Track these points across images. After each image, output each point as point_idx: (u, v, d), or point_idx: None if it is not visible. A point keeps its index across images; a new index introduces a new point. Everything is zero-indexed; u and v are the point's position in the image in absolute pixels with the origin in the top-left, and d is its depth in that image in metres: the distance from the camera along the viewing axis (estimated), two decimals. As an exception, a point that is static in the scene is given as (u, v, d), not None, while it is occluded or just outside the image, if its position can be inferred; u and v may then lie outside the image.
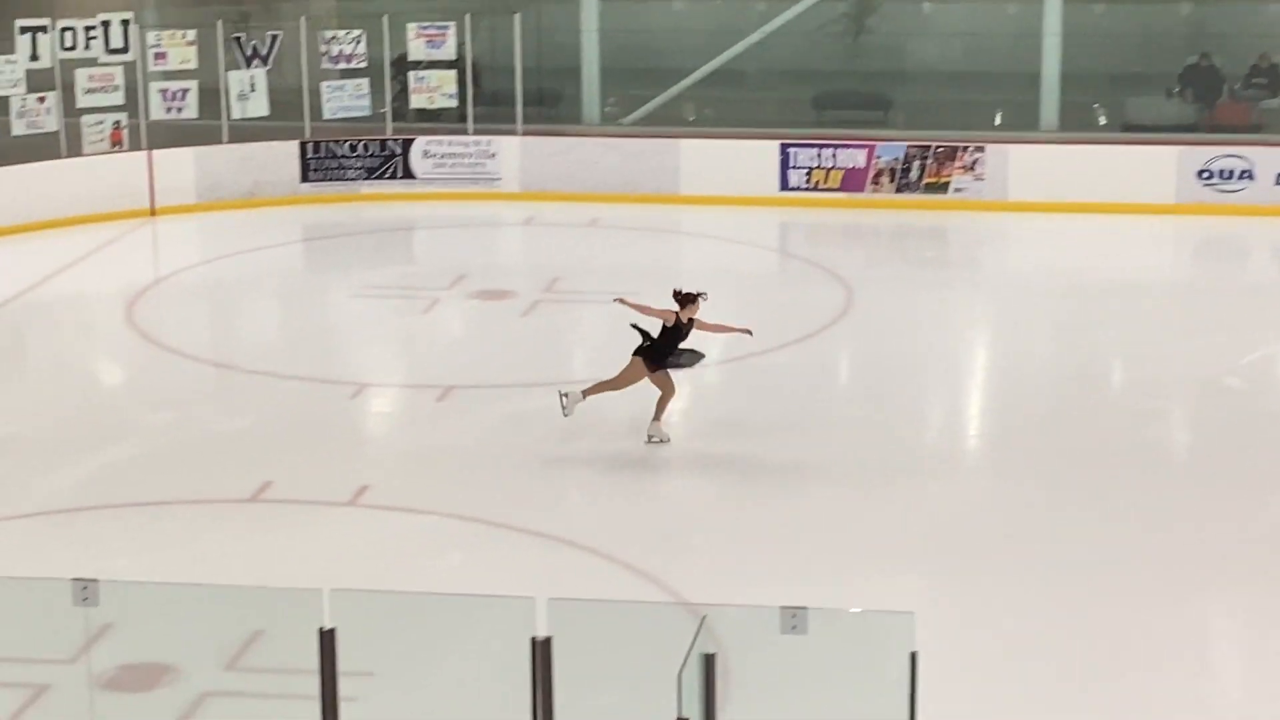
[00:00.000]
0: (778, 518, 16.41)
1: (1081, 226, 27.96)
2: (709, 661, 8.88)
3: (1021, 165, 29.15)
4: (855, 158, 29.44)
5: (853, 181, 29.44)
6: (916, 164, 29.27)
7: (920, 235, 28.65)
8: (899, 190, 29.38)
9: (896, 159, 29.35)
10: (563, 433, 18.78)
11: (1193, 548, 15.76)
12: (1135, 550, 15.69)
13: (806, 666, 9.93)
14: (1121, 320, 23.15)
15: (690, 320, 17.68)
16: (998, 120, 31.73)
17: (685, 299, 17.73)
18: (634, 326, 17.91)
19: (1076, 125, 30.79)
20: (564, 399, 18.00)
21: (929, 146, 29.29)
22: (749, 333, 18.37)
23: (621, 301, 18.05)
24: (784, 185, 29.53)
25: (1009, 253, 28.27)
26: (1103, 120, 31.84)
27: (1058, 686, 13.28)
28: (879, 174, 29.38)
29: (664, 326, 17.69)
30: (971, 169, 29.16)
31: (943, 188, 29.25)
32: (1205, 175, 28.67)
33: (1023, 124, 30.76)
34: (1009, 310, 24.22)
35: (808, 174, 29.46)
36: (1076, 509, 16.65)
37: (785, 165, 29.50)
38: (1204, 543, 15.85)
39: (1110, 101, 32.02)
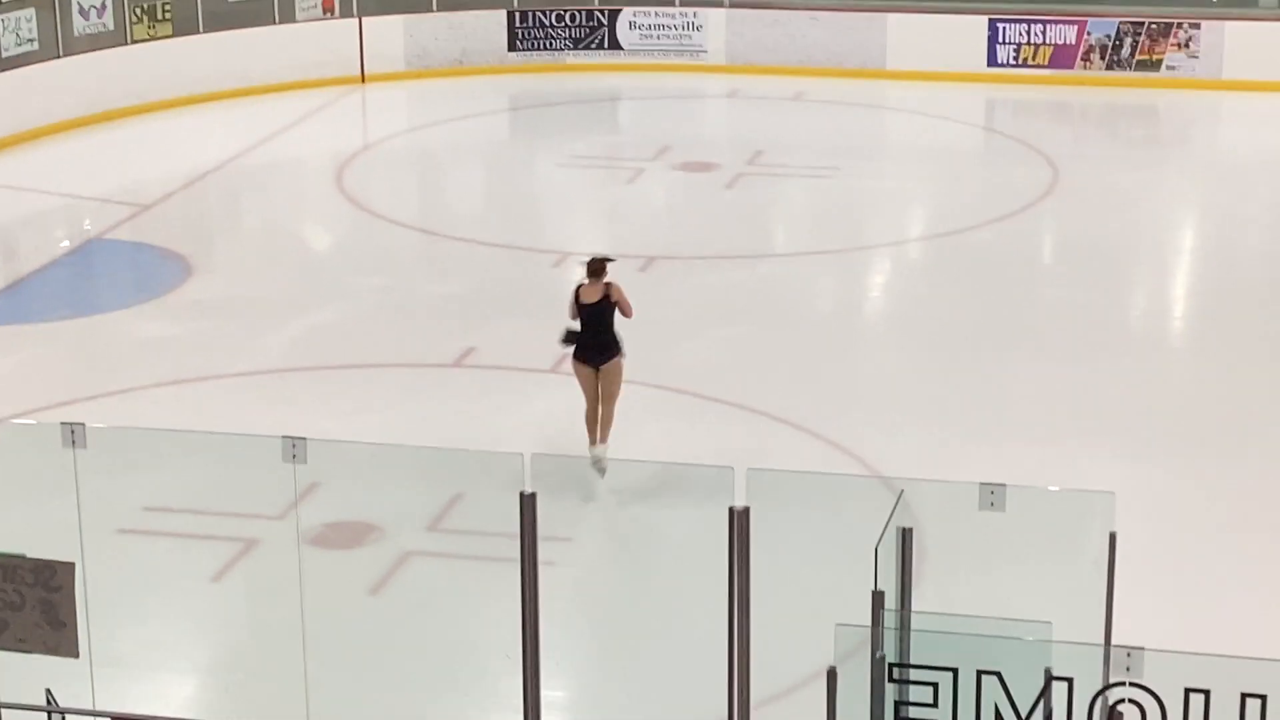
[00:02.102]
0: (978, 395, 16.36)
1: (1298, 107, 27.33)
2: (906, 535, 8.91)
3: (1238, 43, 28.45)
4: (1065, 34, 28.93)
5: (1062, 58, 28.95)
6: (1128, 41, 28.70)
7: (1130, 114, 28.15)
8: (1109, 67, 28.85)
9: (1108, 35, 28.80)
10: (764, 305, 18.82)
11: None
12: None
13: (1003, 544, 9.94)
14: (1336, 204, 22.67)
15: (605, 292, 14.14)
16: (1215, -3, 31.04)
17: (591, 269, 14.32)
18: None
19: (1296, 2, 30.03)
20: (596, 465, 14.20)
21: (1142, 23, 28.70)
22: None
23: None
24: (991, 61, 29.12)
25: (1222, 133, 27.69)
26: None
27: (1259, 568, 13.17)
28: (1089, 51, 28.86)
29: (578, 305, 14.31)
30: (1185, 46, 28.53)
31: (1155, 65, 28.67)
32: None
33: (1241, 0, 30.03)
34: (1220, 192, 23.77)
35: (1016, 50, 29.02)
36: (1248, 395, 16.39)
37: (993, 41, 29.07)
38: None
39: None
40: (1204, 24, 28.53)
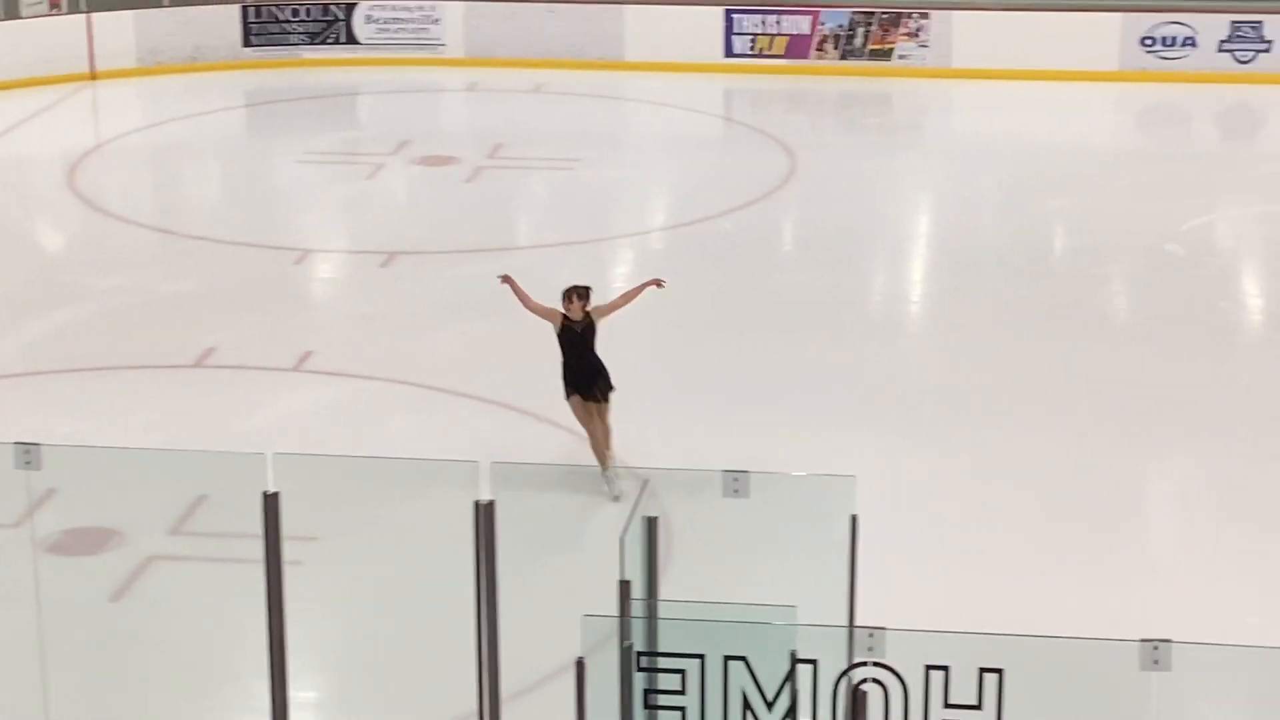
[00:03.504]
0: (723, 383, 16.49)
1: (1025, 94, 27.94)
2: (651, 524, 8.95)
3: (966, 32, 29.06)
4: (800, 24, 29.30)
5: (797, 48, 29.32)
6: (861, 30, 29.16)
7: (864, 102, 28.60)
8: (843, 57, 29.28)
9: (841, 25, 29.23)
10: (507, 298, 18.81)
11: (1135, 409, 15.92)
12: (1078, 412, 15.85)
13: (748, 530, 10.03)
14: (1065, 187, 23.21)
15: (586, 315, 14.36)
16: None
17: (566, 294, 14.39)
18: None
19: (1022, -8, 30.70)
20: (612, 484, 13.98)
21: (873, 13, 29.16)
22: (659, 283, 14.83)
23: (507, 280, 14.68)
24: (728, 51, 29.40)
25: (953, 120, 28.25)
26: (1048, -14, 31.74)
27: (999, 546, 13.45)
28: (823, 40, 29.27)
29: (557, 335, 14.45)
30: (916, 36, 29.07)
31: (887, 54, 29.17)
32: (1148, 42, 28.66)
33: (968, -10, 30.68)
34: (953, 177, 24.26)
35: (752, 40, 29.34)
36: (1020, 372, 16.79)
37: (730, 31, 29.35)
38: (1147, 404, 16.02)
39: (1055, -33, 31.94)
40: (933, 14, 29.08)
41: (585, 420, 14.26)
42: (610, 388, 14.26)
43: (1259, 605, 12.55)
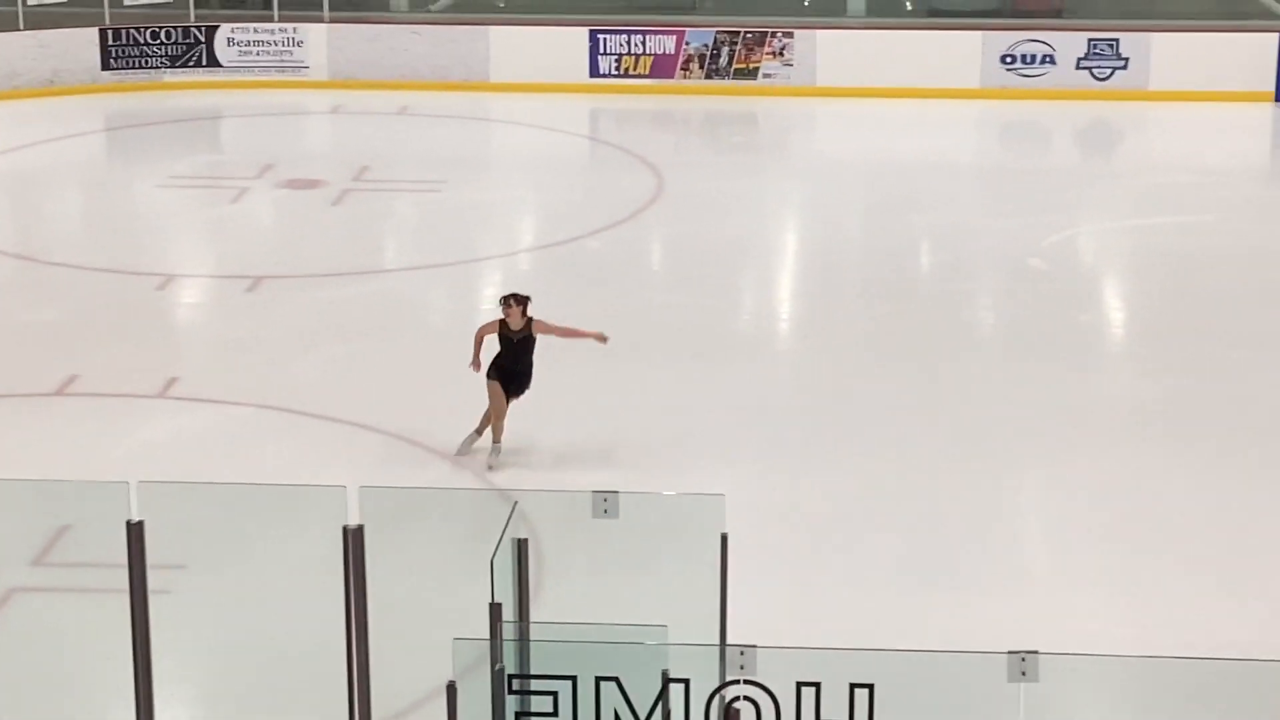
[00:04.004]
0: (591, 403, 16.48)
1: (889, 112, 28.18)
2: (521, 546, 8.94)
3: (829, 51, 29.28)
4: (665, 44, 29.41)
5: (662, 68, 29.43)
6: (726, 50, 29.31)
7: (730, 121, 28.73)
8: (708, 76, 29.42)
9: (706, 45, 29.36)
10: (374, 322, 18.74)
11: (1001, 422, 16.07)
12: (944, 427, 15.98)
13: (619, 550, 10.03)
14: (929, 204, 23.42)
15: (526, 324, 14.95)
16: (806, 2, 31.81)
17: (504, 301, 15.02)
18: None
19: (883, 11, 30.95)
20: (462, 444, 15.22)
21: (738, 33, 29.34)
22: (603, 339, 15.41)
23: (476, 365, 15.17)
24: (594, 72, 29.45)
25: (818, 138, 28.45)
26: (909, 5, 32.03)
27: (868, 562, 13.53)
28: (688, 60, 29.39)
29: (500, 338, 15.09)
30: (780, 55, 29.25)
31: (752, 73, 29.32)
32: (1008, 60, 29.00)
33: (830, 10, 30.88)
34: (819, 195, 24.41)
35: (618, 60, 29.41)
36: (888, 389, 16.89)
37: (595, 52, 29.41)
38: (1011, 417, 16.17)
39: (916, -13, 32.27)
40: (797, 33, 29.29)
41: (497, 400, 14.92)
42: (522, 392, 15.06)
43: (1126, 615, 12.69)
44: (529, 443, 15.59)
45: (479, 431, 15.18)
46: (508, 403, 15.04)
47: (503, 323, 14.96)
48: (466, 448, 15.12)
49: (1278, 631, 12.31)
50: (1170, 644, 11.99)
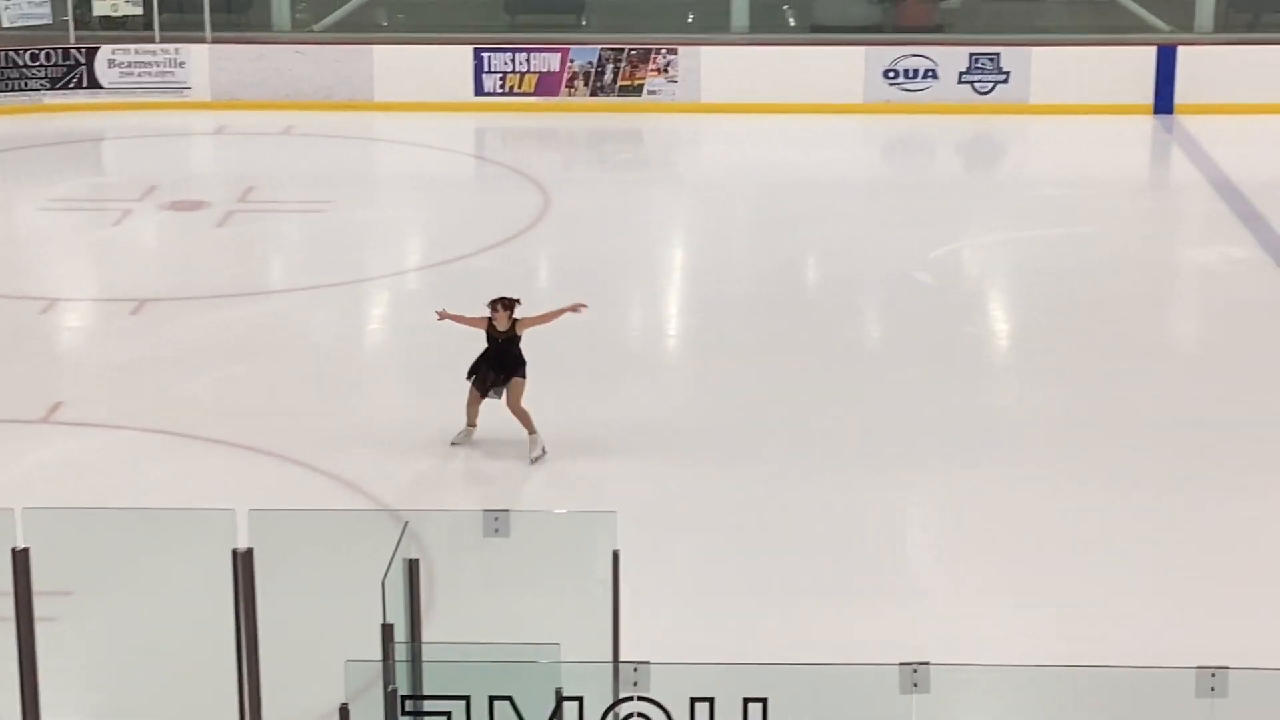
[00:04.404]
0: (481, 422, 16.42)
1: (773, 127, 28.30)
2: (413, 567, 8.92)
3: (713, 67, 29.38)
4: (549, 61, 29.42)
5: (547, 85, 29.43)
6: (610, 67, 29.36)
7: (616, 138, 28.78)
8: (594, 93, 29.45)
9: (590, 62, 29.39)
10: (261, 343, 18.63)
11: (891, 435, 16.17)
12: (834, 440, 16.06)
13: (511, 569, 10.02)
14: (815, 218, 23.54)
15: (513, 326, 15.57)
16: (690, 19, 31.91)
17: (491, 305, 15.62)
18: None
19: (766, 27, 31.09)
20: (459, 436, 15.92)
21: (622, 49, 29.39)
22: (579, 308, 16.10)
23: (443, 314, 15.96)
24: (479, 90, 29.41)
25: (704, 154, 28.53)
26: (792, 21, 32.20)
27: (760, 577, 13.56)
28: (573, 77, 29.42)
29: (486, 336, 15.68)
30: (665, 71, 29.33)
31: (637, 90, 29.38)
32: (891, 75, 29.21)
33: (714, 26, 30.98)
34: (706, 211, 24.49)
35: (502, 78, 29.38)
36: (776, 402, 16.97)
37: (479, 70, 29.37)
38: (901, 429, 16.27)
39: (799, 2, 32.39)
40: (681, 49, 29.37)
41: (472, 404, 15.67)
42: (496, 385, 15.60)
43: (1018, 625, 12.80)
44: (418, 462, 15.55)
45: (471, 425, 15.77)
46: (484, 397, 15.60)
47: (489, 323, 15.55)
48: (463, 439, 15.75)
49: (1170, 638, 12.44)
50: (1062, 653, 12.11)
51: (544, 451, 15.48)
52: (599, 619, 9.32)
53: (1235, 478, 15.35)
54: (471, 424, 15.78)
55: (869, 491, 15.10)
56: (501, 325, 15.51)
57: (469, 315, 15.83)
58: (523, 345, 15.65)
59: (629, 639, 9.48)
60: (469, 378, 15.73)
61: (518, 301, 15.68)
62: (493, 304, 15.58)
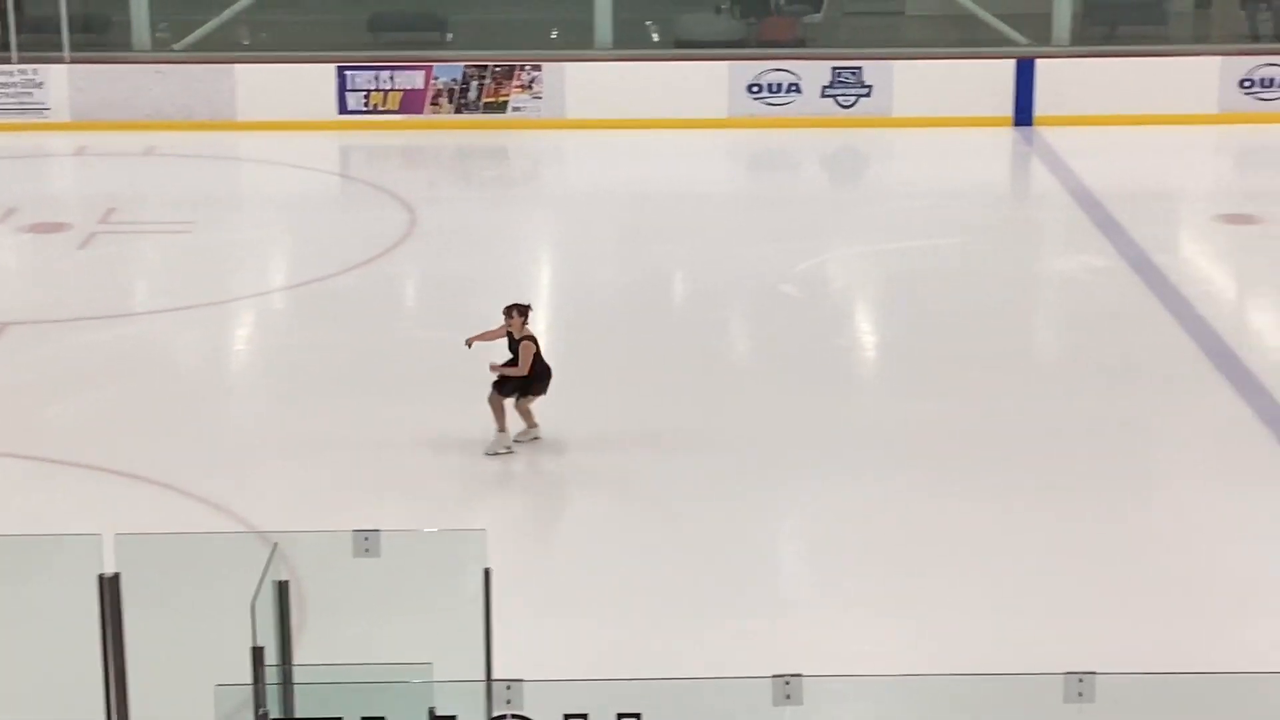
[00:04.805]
0: (351, 442, 16.35)
1: (639, 143, 28.38)
2: (282, 589, 8.85)
3: (578, 83, 29.43)
4: (413, 79, 29.35)
5: (412, 103, 29.36)
6: (475, 84, 29.33)
7: (481, 155, 28.75)
8: (458, 111, 29.41)
9: (455, 79, 29.35)
10: (126, 366, 18.44)
11: (760, 447, 16.22)
12: (703, 455, 16.08)
13: (382, 589, 9.97)
14: (682, 232, 23.61)
15: (524, 336, 15.99)
16: (554, 35, 31.94)
17: (506, 311, 16.07)
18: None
19: (630, 42, 31.17)
20: (503, 449, 16.07)
21: (486, 66, 29.37)
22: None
23: (471, 342, 16.34)
24: (342, 108, 29.29)
25: (570, 170, 28.56)
26: (656, 37, 32.32)
27: (632, 591, 13.57)
28: (438, 95, 29.36)
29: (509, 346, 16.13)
30: (529, 88, 29.34)
31: (501, 107, 29.37)
32: (755, 89, 29.37)
33: (578, 42, 31.03)
34: (572, 227, 24.51)
35: (366, 96, 29.27)
36: (644, 418, 16.98)
37: (343, 88, 29.25)
38: (771, 442, 16.33)
39: (663, 18, 32.51)
40: (545, 66, 29.40)
41: (498, 411, 15.91)
42: (514, 393, 15.99)
43: (891, 636, 12.87)
44: (288, 483, 15.45)
45: (503, 429, 16.03)
46: (517, 400, 15.98)
47: (508, 332, 16.03)
48: (498, 446, 16.00)
49: (1040, 645, 12.56)
50: (933, 661, 12.21)
51: (508, 450, 15.94)
52: (471, 638, 9.29)
53: (1100, 484, 15.53)
54: (502, 429, 16.02)
55: (738, 503, 15.14)
56: (518, 332, 15.97)
57: (490, 329, 16.28)
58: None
59: (504, 657, 9.45)
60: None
61: (529, 307, 16.16)
62: (507, 310, 16.06)
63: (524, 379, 15.97)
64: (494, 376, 15.96)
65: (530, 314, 16.16)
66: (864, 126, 29.22)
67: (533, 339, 15.98)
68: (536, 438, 16.16)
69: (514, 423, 16.07)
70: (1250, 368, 18.27)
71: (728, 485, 15.50)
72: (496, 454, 15.93)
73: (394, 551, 9.29)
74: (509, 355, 16.06)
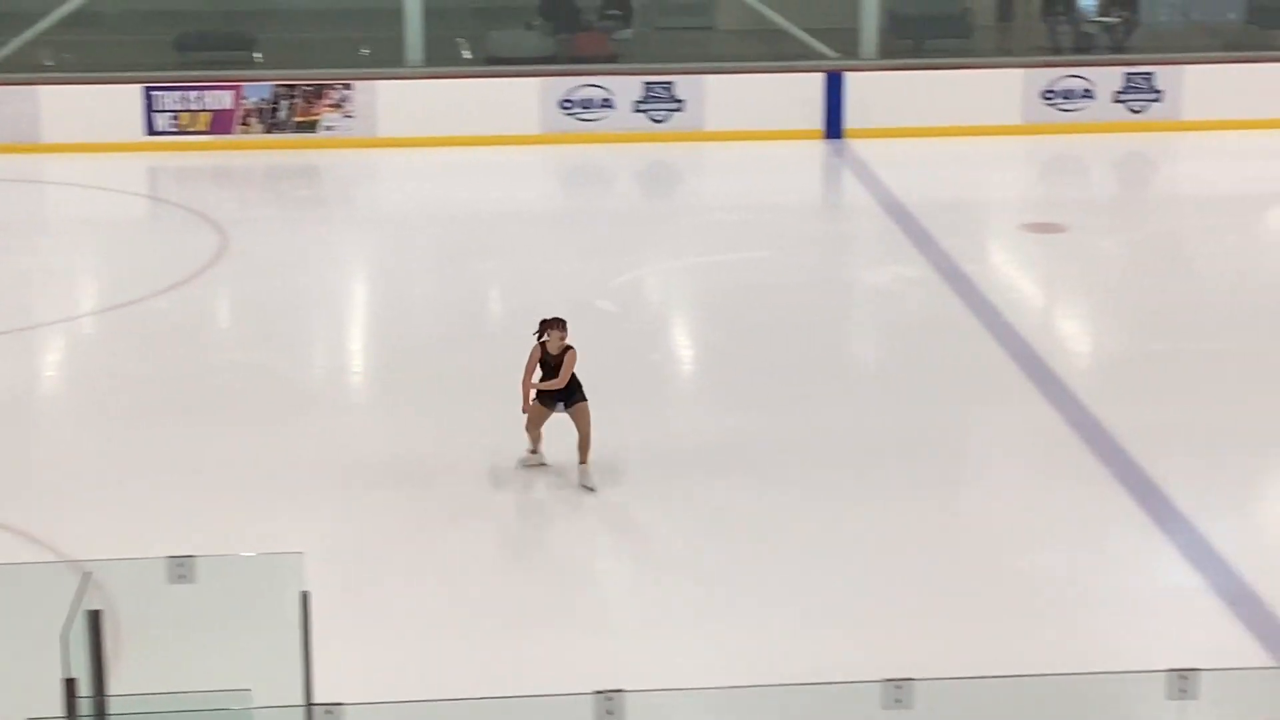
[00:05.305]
0: (167, 466, 16.14)
1: (452, 160, 28.31)
2: (95, 618, 8.70)
3: (389, 101, 29.31)
4: (222, 99, 29.05)
5: (221, 123, 29.07)
6: (285, 103, 29.09)
7: (293, 175, 28.52)
8: (269, 130, 29.16)
9: (264, 99, 29.10)
10: (-70, 395, 18.09)
11: (569, 460, 16.21)
12: (519, 474, 16.04)
13: (198, 615, 9.85)
14: (496, 250, 23.58)
15: (563, 349, 15.65)
16: (365, 51, 31.75)
17: (543, 327, 15.72)
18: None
19: (442, 59, 31.08)
20: (534, 461, 16.20)
21: (296, 85, 29.15)
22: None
23: (527, 390, 15.83)
24: (150, 129, 28.93)
25: (383, 189, 28.39)
26: (467, 54, 32.25)
27: (456, 612, 13.51)
28: (248, 114, 29.09)
29: (541, 364, 15.77)
30: (340, 106, 29.16)
31: (312, 126, 29.17)
32: (567, 105, 29.42)
33: (389, 60, 30.88)
34: (387, 246, 24.37)
35: (174, 117, 28.93)
36: (464, 437, 16.90)
37: (150, 109, 28.88)
38: (591, 459, 16.32)
39: (473, 34, 32.46)
40: (356, 84, 29.24)
41: (536, 420, 15.90)
42: (562, 401, 15.76)
43: (721, 650, 12.91)
44: (99, 510, 15.21)
45: (533, 450, 16.08)
46: (550, 413, 15.78)
47: (543, 347, 15.60)
48: (529, 462, 16.07)
49: (878, 655, 12.66)
50: (754, 673, 12.25)
51: (542, 464, 16.03)
52: (290, 662, 9.20)
53: (918, 491, 15.70)
54: (535, 447, 16.04)
55: (559, 520, 15.15)
56: (555, 347, 15.60)
57: (527, 370, 15.76)
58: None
59: (327, 681, 9.36)
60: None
61: (564, 320, 15.77)
62: (543, 326, 15.66)
63: (564, 390, 15.69)
64: (532, 395, 15.80)
65: (565, 326, 15.77)
66: (676, 141, 29.39)
67: (573, 349, 15.72)
68: (544, 463, 16.12)
69: (511, 440, 16.02)
70: (1057, 373, 18.59)
71: (546, 501, 15.49)
72: (529, 466, 16.06)
73: (210, 577, 9.18)
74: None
